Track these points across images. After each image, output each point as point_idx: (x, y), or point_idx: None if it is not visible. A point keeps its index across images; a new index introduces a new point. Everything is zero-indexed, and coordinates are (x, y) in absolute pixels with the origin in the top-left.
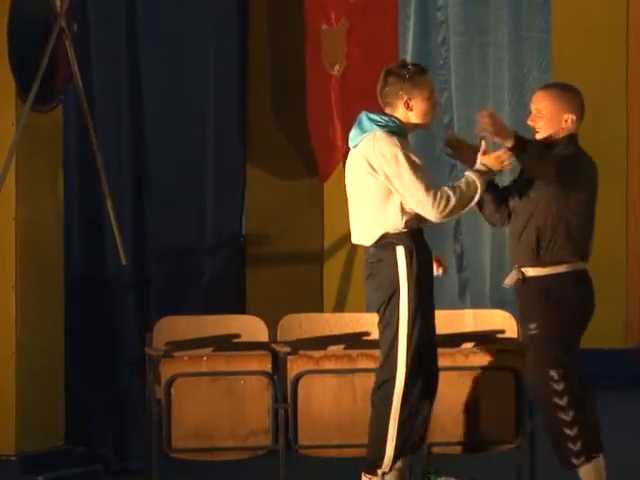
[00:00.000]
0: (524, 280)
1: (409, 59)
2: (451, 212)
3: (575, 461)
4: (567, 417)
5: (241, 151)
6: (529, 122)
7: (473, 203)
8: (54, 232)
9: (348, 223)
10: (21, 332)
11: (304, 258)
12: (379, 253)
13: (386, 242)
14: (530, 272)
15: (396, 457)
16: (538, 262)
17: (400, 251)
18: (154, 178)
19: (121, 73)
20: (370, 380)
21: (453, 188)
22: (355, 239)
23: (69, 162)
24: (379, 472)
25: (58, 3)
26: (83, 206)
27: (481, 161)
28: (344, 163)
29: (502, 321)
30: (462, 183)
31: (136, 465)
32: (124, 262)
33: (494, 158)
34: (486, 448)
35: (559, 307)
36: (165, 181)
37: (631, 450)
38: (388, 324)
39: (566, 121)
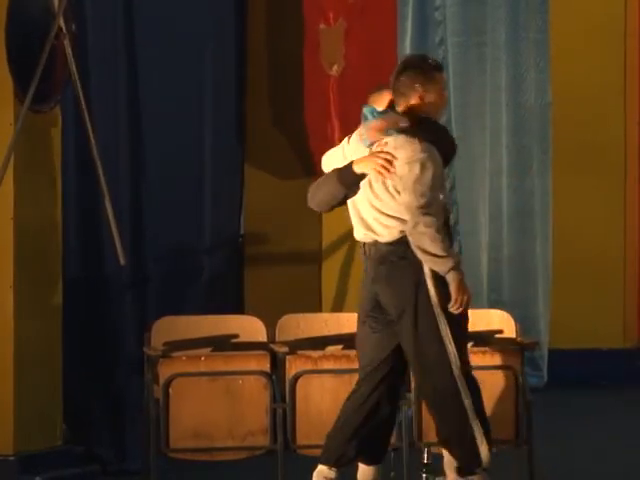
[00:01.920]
0: None
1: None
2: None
3: None
4: None
5: (239, 151)
6: None
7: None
8: (52, 232)
9: (346, 223)
10: (19, 331)
11: (302, 258)
12: (398, 251)
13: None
14: None
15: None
16: None
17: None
18: (152, 178)
19: (119, 73)
20: None
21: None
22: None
23: (67, 162)
24: (479, 470)
25: (56, 3)
26: (81, 206)
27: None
28: None
29: (500, 321)
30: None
31: (134, 465)
32: (122, 262)
33: None
34: None
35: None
36: (163, 181)
37: (630, 450)
38: (424, 325)
39: None
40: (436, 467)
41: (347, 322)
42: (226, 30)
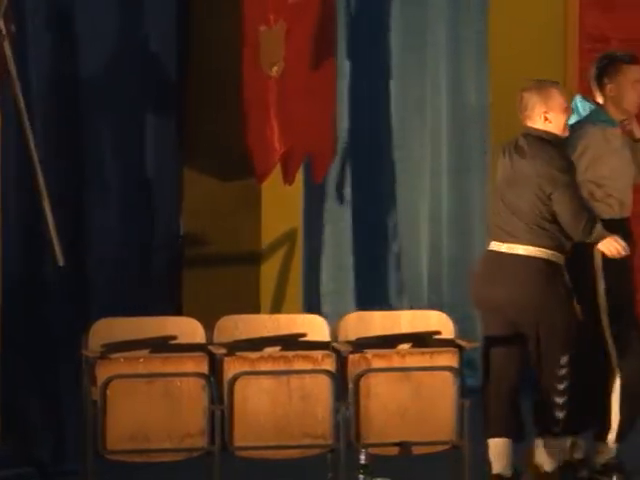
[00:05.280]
0: None
1: (347, 59)
2: None
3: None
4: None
5: (179, 152)
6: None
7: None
8: None
9: (285, 224)
10: None
11: (241, 259)
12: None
13: None
14: None
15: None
16: None
17: None
18: (92, 178)
19: (59, 73)
20: (306, 381)
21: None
22: None
23: (7, 162)
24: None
25: None
26: (20, 205)
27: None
28: (282, 164)
29: (438, 322)
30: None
31: (73, 467)
32: (60, 262)
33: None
34: (424, 449)
35: None
36: (103, 181)
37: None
38: None
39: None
40: (374, 468)
41: (286, 323)
42: (166, 31)
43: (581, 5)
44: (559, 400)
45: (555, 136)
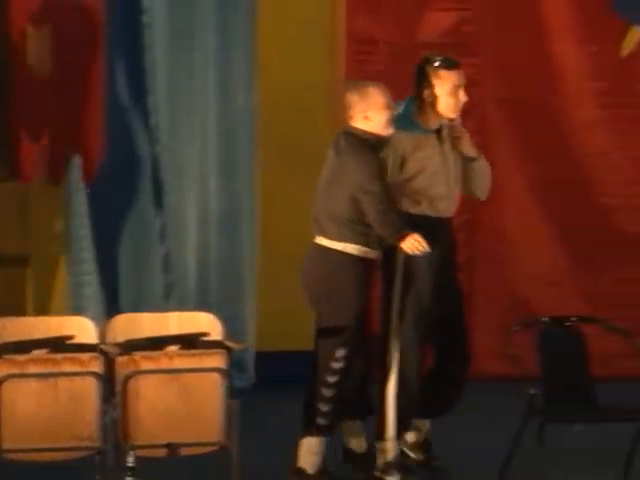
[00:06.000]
0: None
1: (114, 61)
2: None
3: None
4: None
5: None
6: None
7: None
8: None
9: (53, 226)
10: None
11: (8, 261)
12: None
13: None
14: None
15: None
16: None
17: None
18: None
19: None
20: (74, 383)
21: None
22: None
23: None
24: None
25: None
26: None
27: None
28: (48, 164)
29: (206, 323)
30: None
31: None
32: None
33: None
34: (192, 450)
35: None
36: None
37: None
38: None
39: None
40: (142, 471)
41: (54, 325)
42: None
43: (348, 7)
44: (327, 393)
45: (375, 136)
